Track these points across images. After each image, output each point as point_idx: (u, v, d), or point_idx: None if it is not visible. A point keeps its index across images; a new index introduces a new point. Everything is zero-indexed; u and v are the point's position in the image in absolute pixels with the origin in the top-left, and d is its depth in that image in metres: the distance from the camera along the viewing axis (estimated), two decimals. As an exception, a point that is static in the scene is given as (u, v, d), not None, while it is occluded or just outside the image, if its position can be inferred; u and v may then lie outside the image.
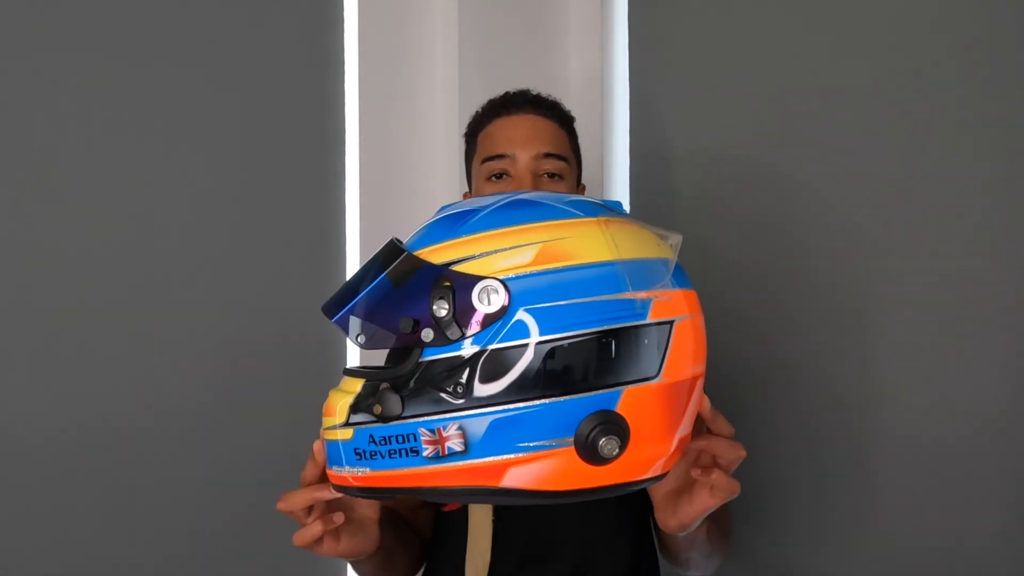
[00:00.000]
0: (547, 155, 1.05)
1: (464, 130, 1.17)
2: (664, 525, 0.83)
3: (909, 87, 1.00)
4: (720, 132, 1.26)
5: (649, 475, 0.72)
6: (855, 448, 1.07)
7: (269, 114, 1.30)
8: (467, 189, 1.17)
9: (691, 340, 0.72)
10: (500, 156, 1.05)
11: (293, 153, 1.33)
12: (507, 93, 1.12)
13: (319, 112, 1.36)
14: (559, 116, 1.10)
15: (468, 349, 0.68)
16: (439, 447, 0.68)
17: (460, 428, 0.67)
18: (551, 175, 1.05)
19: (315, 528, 0.78)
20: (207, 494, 1.23)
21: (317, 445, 0.78)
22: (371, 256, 0.75)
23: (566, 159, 1.07)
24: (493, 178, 1.06)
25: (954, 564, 0.96)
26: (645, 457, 0.70)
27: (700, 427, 0.78)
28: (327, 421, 0.73)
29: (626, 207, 1.46)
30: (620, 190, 1.50)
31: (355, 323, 0.72)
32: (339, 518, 0.79)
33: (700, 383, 0.74)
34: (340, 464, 0.73)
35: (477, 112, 1.14)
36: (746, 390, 1.19)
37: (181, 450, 1.21)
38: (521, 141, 1.05)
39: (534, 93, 1.11)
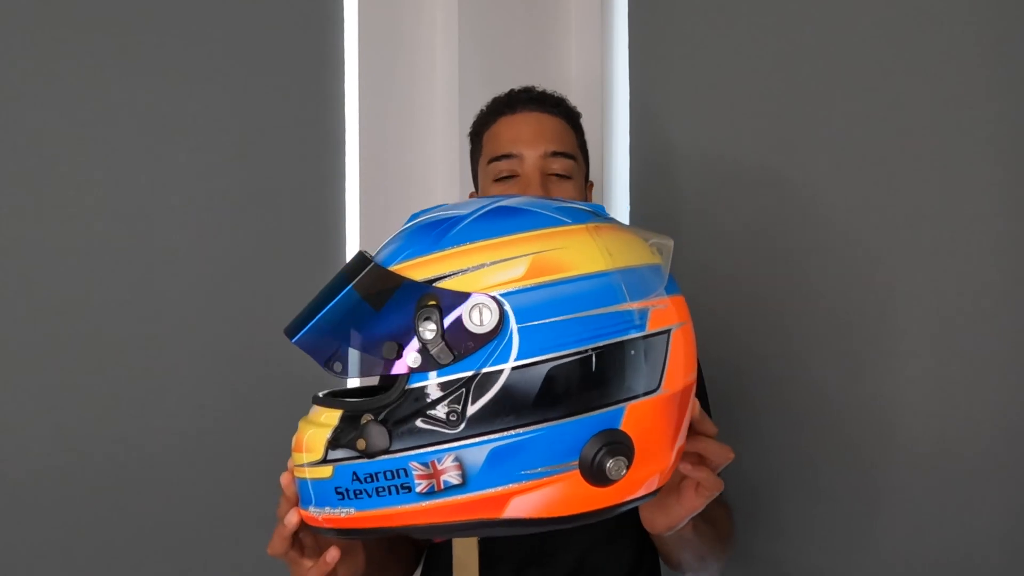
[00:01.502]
0: (554, 153, 1.03)
1: (463, 129, 1.16)
2: (651, 526, 0.82)
3: (911, 87, 1.00)
4: (720, 132, 1.26)
5: (646, 491, 0.69)
6: (852, 449, 1.06)
7: (269, 114, 1.30)
8: (469, 189, 1.16)
9: (685, 348, 0.70)
10: (507, 156, 1.03)
11: (293, 153, 1.32)
12: (512, 91, 1.10)
13: (319, 112, 1.36)
14: (565, 113, 1.08)
15: (460, 373, 0.63)
16: (434, 481, 0.63)
17: (457, 459, 0.62)
18: (559, 175, 1.03)
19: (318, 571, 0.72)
20: (206, 498, 1.23)
21: (285, 479, 0.71)
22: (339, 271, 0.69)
23: (574, 157, 1.05)
24: (501, 179, 1.04)
25: (954, 566, 0.96)
26: (647, 473, 0.67)
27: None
28: (298, 458, 0.67)
29: (626, 207, 1.47)
30: (620, 190, 1.50)
31: (326, 348, 0.66)
32: (334, 555, 0.72)
33: (692, 390, 0.72)
34: (319, 504, 0.66)
35: (482, 111, 1.12)
36: (746, 390, 1.19)
37: (179, 455, 1.21)
38: (528, 140, 1.03)
39: (539, 90, 1.09)
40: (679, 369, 0.68)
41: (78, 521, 1.13)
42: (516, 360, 0.62)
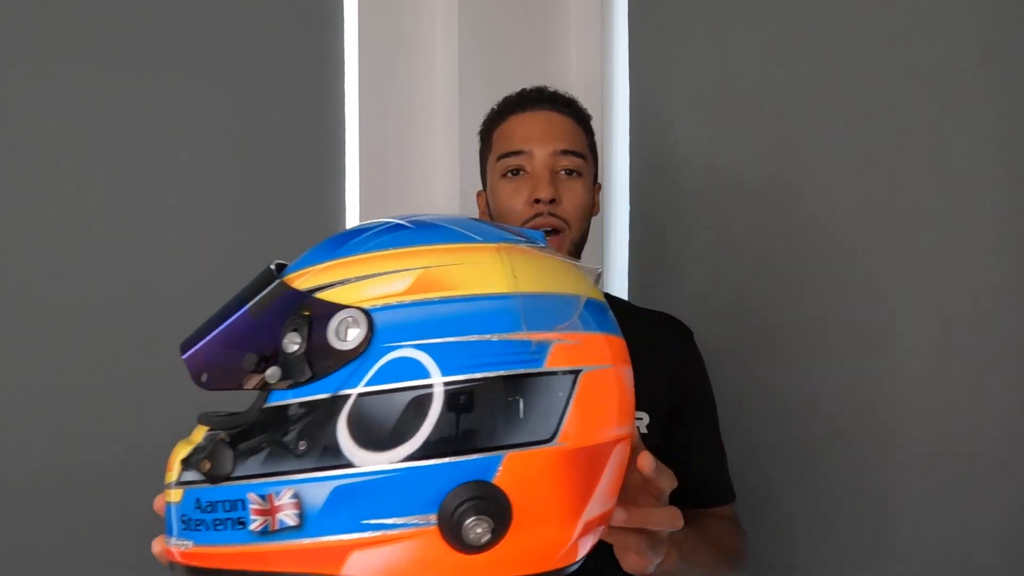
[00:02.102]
0: (564, 152, 1.04)
1: (463, 129, 1.17)
2: (624, 567, 0.72)
3: (911, 87, 1.00)
4: (720, 132, 1.26)
5: (545, 568, 0.57)
6: (853, 449, 1.06)
7: (269, 114, 1.30)
8: (469, 188, 1.17)
9: (608, 395, 0.58)
10: (517, 152, 1.04)
11: (293, 153, 1.32)
12: (523, 90, 1.10)
13: (319, 112, 1.36)
14: (576, 113, 1.09)
15: (316, 395, 0.54)
16: (269, 519, 0.54)
17: (295, 495, 0.53)
18: (568, 172, 1.04)
19: None
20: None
21: (158, 502, 0.62)
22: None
23: (583, 156, 1.06)
24: (509, 174, 1.05)
25: (954, 566, 0.96)
26: (536, 545, 0.56)
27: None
28: (167, 477, 0.59)
29: (626, 207, 1.47)
30: (620, 191, 1.50)
31: (210, 361, 0.61)
32: None
33: (623, 448, 0.60)
34: (171, 533, 0.58)
35: (492, 109, 1.12)
36: (746, 389, 1.19)
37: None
38: (538, 138, 1.04)
39: (551, 90, 1.10)
40: (589, 420, 0.57)
41: (78, 521, 1.13)
42: (376, 384, 0.54)
